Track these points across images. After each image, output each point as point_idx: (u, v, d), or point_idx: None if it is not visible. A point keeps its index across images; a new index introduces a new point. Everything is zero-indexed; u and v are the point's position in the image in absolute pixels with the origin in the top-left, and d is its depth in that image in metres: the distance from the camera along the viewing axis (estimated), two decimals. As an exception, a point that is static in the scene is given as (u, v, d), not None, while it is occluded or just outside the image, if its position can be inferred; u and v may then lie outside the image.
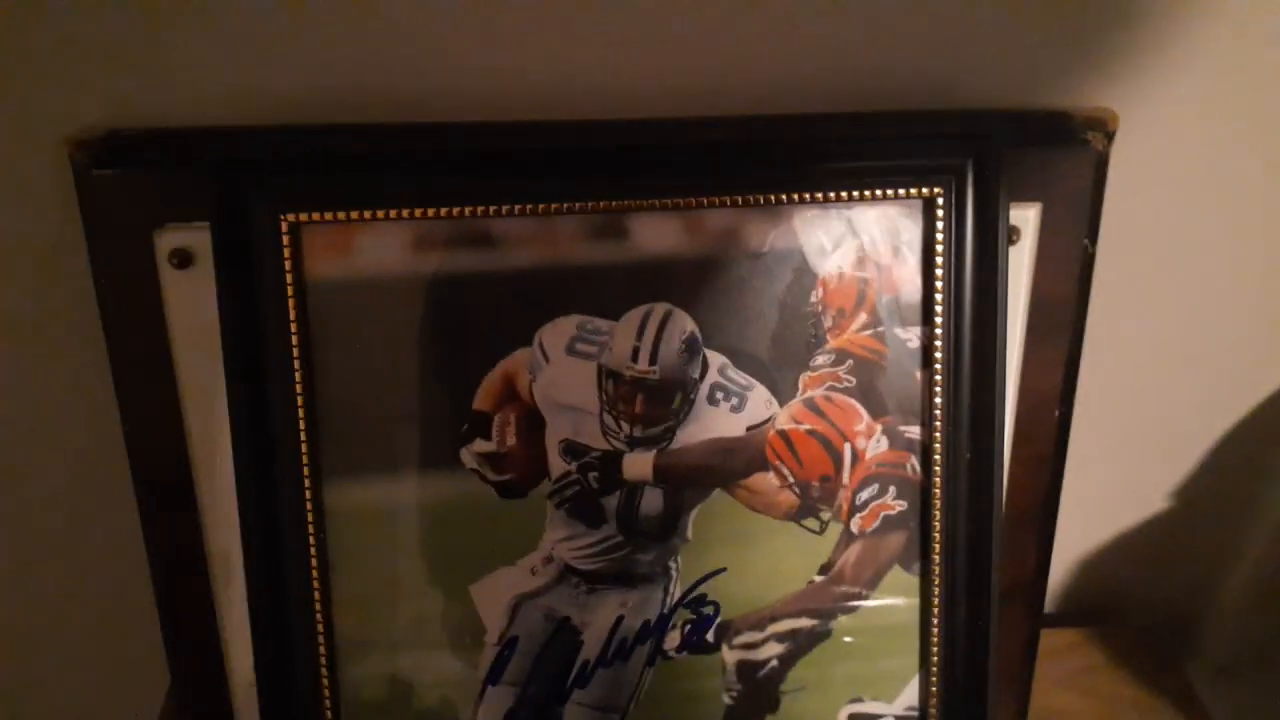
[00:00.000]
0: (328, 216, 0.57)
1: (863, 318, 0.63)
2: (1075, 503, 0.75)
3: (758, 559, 0.65)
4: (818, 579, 0.66)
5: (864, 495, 0.65)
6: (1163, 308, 0.75)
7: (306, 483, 0.60)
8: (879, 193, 0.60)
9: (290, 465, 0.59)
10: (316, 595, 0.61)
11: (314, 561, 0.61)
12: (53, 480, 0.70)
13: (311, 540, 0.60)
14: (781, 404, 0.63)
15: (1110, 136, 0.62)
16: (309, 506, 0.60)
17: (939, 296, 0.62)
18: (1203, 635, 0.92)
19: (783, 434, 0.63)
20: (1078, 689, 0.84)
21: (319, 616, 0.62)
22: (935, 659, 0.67)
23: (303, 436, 0.59)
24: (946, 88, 0.64)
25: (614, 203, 0.59)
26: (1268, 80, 0.66)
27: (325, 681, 0.63)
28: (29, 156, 0.59)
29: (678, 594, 0.65)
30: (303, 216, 0.56)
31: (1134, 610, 0.91)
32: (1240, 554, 0.87)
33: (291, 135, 0.59)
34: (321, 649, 0.62)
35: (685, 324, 0.61)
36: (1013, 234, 0.63)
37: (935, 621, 0.67)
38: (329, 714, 0.63)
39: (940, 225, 0.61)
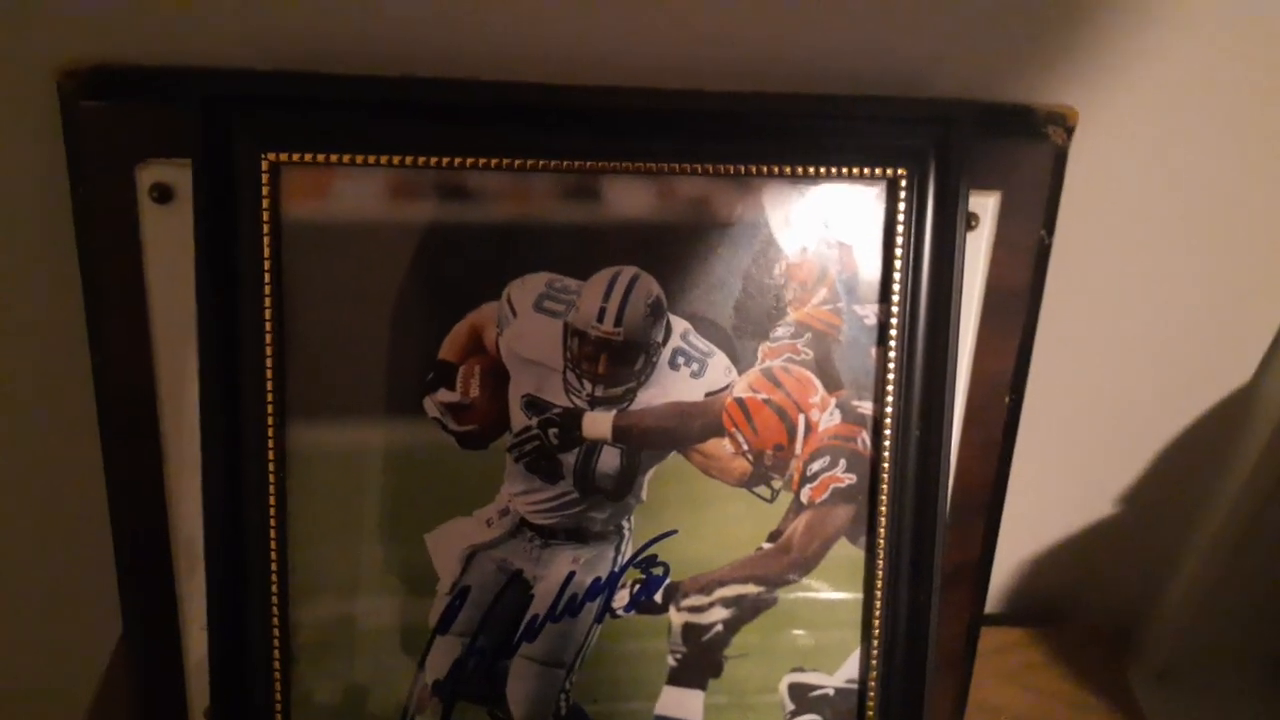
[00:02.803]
0: (308, 158, 0.58)
1: (823, 292, 0.64)
2: (1021, 504, 0.76)
3: (709, 523, 0.66)
4: (766, 546, 0.67)
5: (815, 466, 0.66)
6: (1115, 305, 0.77)
7: (270, 421, 0.60)
8: (845, 170, 0.62)
9: (255, 403, 0.60)
10: (273, 534, 0.62)
11: (272, 500, 0.61)
12: (17, 407, 0.70)
13: (272, 478, 0.61)
14: (740, 372, 0.64)
15: (1070, 131, 0.65)
16: (271, 445, 0.60)
17: (897, 276, 0.64)
18: (1144, 639, 0.94)
19: (740, 401, 0.65)
20: (1018, 684, 0.86)
21: (274, 556, 0.62)
22: (877, 633, 0.68)
23: (269, 375, 0.60)
24: (916, 77, 0.66)
25: (589, 163, 0.60)
26: (1224, 82, 0.68)
27: (276, 622, 0.63)
28: (17, 85, 0.60)
29: (629, 553, 0.66)
30: (284, 156, 0.58)
31: (1077, 612, 0.93)
32: (1183, 560, 0.89)
33: (278, 77, 0.60)
34: (274, 589, 0.62)
35: (651, 288, 0.62)
36: (972, 220, 0.65)
37: (878, 596, 0.68)
38: (277, 654, 0.63)
39: (902, 206, 0.63)
